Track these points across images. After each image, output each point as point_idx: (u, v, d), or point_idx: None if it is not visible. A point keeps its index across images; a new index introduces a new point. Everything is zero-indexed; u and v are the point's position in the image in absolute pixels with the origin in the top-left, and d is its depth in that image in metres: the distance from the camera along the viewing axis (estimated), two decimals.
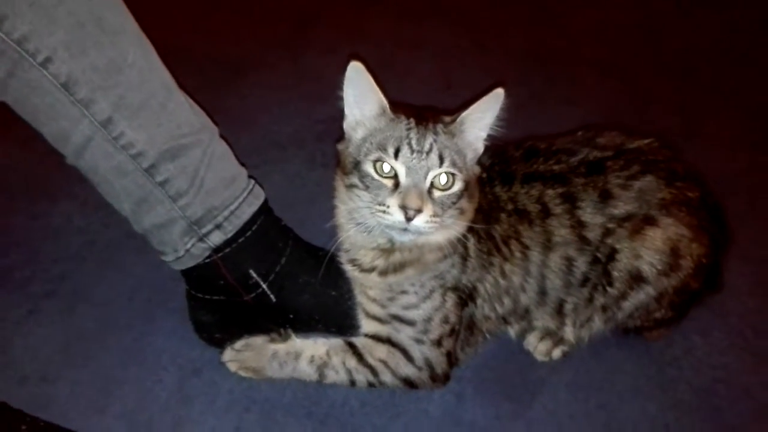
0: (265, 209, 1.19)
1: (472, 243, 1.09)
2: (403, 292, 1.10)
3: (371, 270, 1.09)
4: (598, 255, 1.11)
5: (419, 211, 0.95)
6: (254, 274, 1.15)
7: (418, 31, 2.34)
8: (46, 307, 1.29)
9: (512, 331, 1.24)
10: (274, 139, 1.80)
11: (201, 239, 1.11)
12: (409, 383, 1.13)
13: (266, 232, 1.17)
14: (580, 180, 1.11)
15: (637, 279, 1.11)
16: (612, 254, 1.10)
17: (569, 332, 1.20)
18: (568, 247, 1.11)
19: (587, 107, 1.96)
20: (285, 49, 2.19)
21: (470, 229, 1.08)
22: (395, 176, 0.98)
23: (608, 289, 1.12)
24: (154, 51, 1.05)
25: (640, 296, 1.12)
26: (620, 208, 1.10)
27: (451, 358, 1.15)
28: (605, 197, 1.10)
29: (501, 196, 1.13)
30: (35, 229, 1.47)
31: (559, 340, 1.22)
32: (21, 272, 1.36)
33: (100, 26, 0.95)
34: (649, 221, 1.09)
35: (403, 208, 0.95)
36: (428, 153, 0.98)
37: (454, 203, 1.00)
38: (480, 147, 1.06)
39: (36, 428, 1.07)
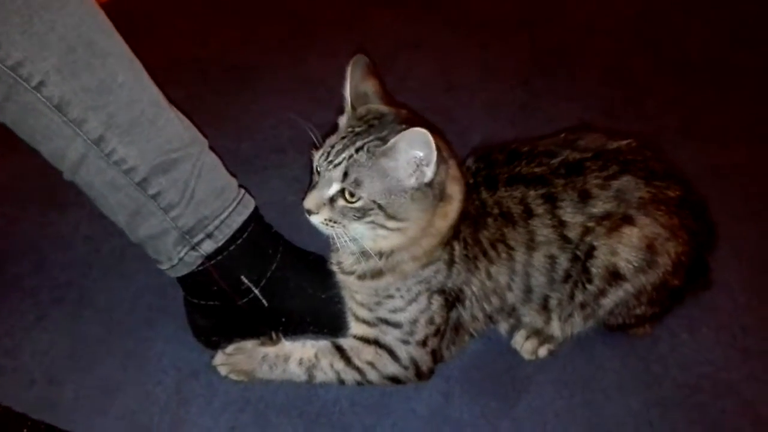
0: (255, 217, 1.23)
1: (458, 250, 1.12)
2: (390, 296, 1.13)
3: (351, 273, 1.13)
4: (578, 253, 1.13)
5: (310, 212, 1.02)
6: (246, 280, 1.20)
7: (418, 31, 2.35)
8: (53, 314, 1.34)
9: (502, 328, 1.27)
10: (274, 143, 1.83)
11: (193, 248, 1.16)
12: (395, 380, 1.18)
13: (256, 240, 1.21)
14: (560, 181, 1.13)
15: (614, 275, 1.13)
16: (590, 251, 1.12)
17: (556, 327, 1.22)
18: (551, 245, 1.13)
19: (586, 104, 1.96)
20: (285, 53, 2.21)
21: (456, 237, 1.11)
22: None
23: (587, 286, 1.15)
24: (143, 70, 1.09)
25: (618, 293, 1.14)
26: (599, 207, 1.11)
27: (436, 356, 1.18)
28: (584, 197, 1.12)
29: (487, 201, 1.15)
30: (44, 238, 1.52)
31: (545, 339, 1.25)
32: (30, 280, 1.42)
33: (91, 49, 0.99)
34: (627, 220, 1.10)
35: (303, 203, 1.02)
36: (336, 166, 1.00)
37: (360, 218, 1.01)
38: (407, 183, 0.99)
39: (37, 431, 1.12)
